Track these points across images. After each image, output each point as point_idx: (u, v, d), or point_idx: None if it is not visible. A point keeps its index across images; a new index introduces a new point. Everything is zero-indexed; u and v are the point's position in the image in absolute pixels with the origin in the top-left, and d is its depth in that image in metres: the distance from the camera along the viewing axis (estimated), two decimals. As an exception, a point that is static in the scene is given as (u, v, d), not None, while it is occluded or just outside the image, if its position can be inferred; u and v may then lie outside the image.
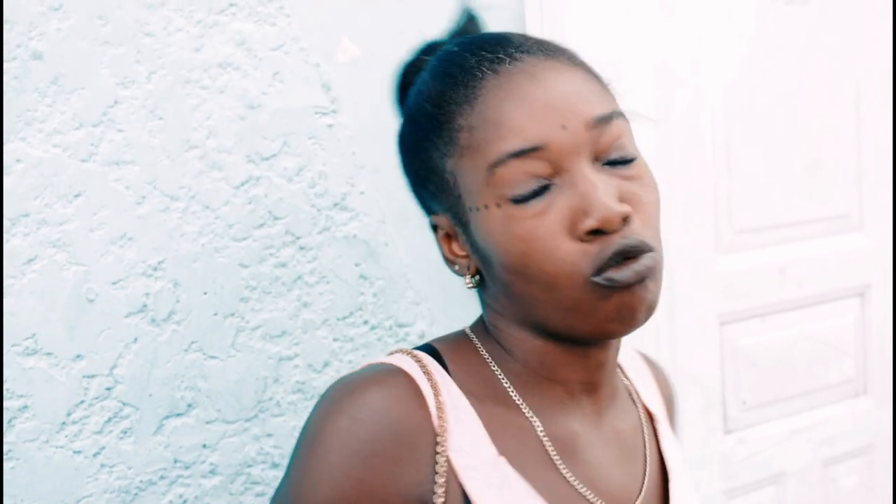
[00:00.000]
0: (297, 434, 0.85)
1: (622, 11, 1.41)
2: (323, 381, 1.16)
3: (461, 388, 0.80)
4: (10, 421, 0.98)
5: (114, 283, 1.03)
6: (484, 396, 0.80)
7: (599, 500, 0.80)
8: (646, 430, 0.90)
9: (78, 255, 1.01)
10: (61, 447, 1.01)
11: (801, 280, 1.68)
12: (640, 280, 0.73)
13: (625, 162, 0.76)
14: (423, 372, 0.78)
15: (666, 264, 1.50)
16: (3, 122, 0.96)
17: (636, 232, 0.74)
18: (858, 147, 1.74)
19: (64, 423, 1.01)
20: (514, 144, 0.74)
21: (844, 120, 1.71)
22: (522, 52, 0.78)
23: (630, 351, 0.99)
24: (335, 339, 1.17)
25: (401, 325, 1.22)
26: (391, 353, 0.83)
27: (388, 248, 1.20)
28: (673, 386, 1.03)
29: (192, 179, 1.07)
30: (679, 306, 1.54)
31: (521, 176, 0.74)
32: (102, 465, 1.03)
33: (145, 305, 1.05)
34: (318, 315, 1.16)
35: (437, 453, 0.75)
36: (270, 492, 1.12)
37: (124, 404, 1.04)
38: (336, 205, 1.16)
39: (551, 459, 0.80)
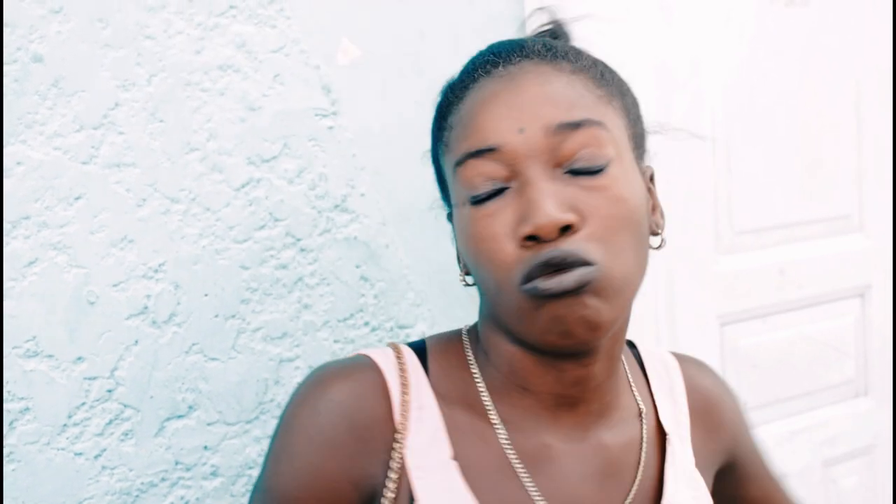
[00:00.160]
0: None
1: (622, 13, 1.41)
2: (324, 383, 1.16)
3: (434, 388, 0.80)
4: (11, 423, 0.98)
5: (114, 286, 1.03)
6: (455, 400, 0.80)
7: None
8: (646, 449, 0.85)
9: (79, 257, 1.01)
10: (62, 449, 1.01)
11: (802, 281, 1.68)
12: (573, 293, 0.70)
13: (591, 172, 0.73)
14: (399, 369, 0.79)
15: (666, 265, 1.54)
16: (3, 125, 0.96)
17: (573, 244, 0.71)
18: (858, 147, 1.73)
19: (65, 425, 1.01)
20: (473, 144, 0.75)
21: (844, 120, 1.71)
22: (522, 56, 0.78)
23: (667, 358, 0.94)
24: (336, 341, 1.17)
25: (402, 327, 1.22)
26: (387, 345, 0.85)
27: (389, 250, 1.20)
28: (722, 389, 0.97)
29: (193, 181, 1.07)
30: (679, 307, 1.54)
31: (478, 177, 0.75)
32: (103, 468, 1.03)
33: (146, 307, 1.05)
34: (318, 317, 1.16)
35: (392, 449, 0.76)
36: (271, 493, 1.13)
37: (125, 406, 1.04)
38: (336, 206, 1.16)
39: (513, 469, 0.78)
